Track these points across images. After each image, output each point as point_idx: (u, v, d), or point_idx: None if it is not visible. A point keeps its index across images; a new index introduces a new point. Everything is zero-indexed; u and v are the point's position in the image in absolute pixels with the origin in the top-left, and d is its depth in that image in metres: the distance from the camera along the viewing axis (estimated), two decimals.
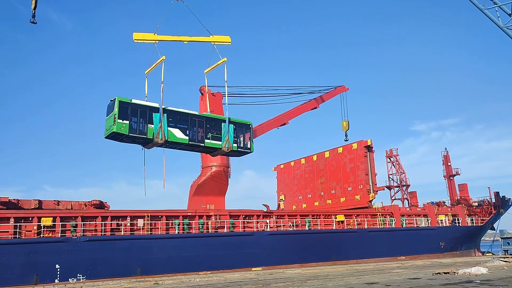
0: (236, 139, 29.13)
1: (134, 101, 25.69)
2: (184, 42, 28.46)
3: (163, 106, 26.33)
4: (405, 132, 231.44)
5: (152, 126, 25.69)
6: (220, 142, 28.23)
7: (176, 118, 27.00)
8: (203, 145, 27.81)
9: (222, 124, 28.64)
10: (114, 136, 25.13)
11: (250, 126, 30.44)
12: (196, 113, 28.38)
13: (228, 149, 28.32)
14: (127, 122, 24.81)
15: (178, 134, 26.72)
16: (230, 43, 29.43)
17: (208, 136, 28.08)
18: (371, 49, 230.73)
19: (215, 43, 28.71)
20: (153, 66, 27.31)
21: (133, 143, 26.52)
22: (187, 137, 27.21)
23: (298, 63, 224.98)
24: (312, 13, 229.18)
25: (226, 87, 29.78)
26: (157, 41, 26.98)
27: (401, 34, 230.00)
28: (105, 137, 25.62)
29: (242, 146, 29.43)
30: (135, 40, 26.75)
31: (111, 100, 25.68)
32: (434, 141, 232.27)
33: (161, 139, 25.73)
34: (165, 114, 26.21)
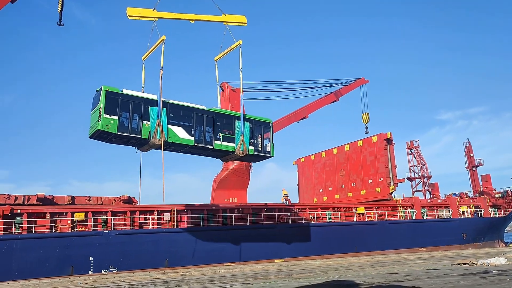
0: (252, 140, 24.41)
1: (125, 91, 21.22)
2: (191, 21, 23.74)
3: (162, 99, 21.77)
4: (430, 122, 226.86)
5: (149, 123, 21.10)
6: (233, 144, 23.63)
7: (178, 114, 22.49)
8: (212, 147, 23.22)
9: (236, 122, 24.03)
10: (100, 136, 20.78)
11: (270, 124, 25.88)
12: (204, 107, 23.92)
13: (243, 153, 23.74)
14: (116, 118, 20.38)
15: (181, 133, 22.21)
16: (245, 24, 24.92)
17: (218, 137, 23.42)
18: (392, 39, 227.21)
19: (228, 23, 24.26)
20: (151, 49, 22.91)
21: (124, 144, 22.02)
22: (192, 138, 22.48)
23: (317, 55, 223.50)
24: (329, 5, 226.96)
25: (241, 75, 24.76)
26: (156, 19, 22.19)
27: (424, 23, 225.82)
28: (89, 137, 21.28)
29: (260, 149, 24.87)
30: (129, 17, 21.82)
31: (96, 91, 21.27)
32: (460, 130, 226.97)
33: (159, 140, 21.02)
34: (165, 109, 21.67)
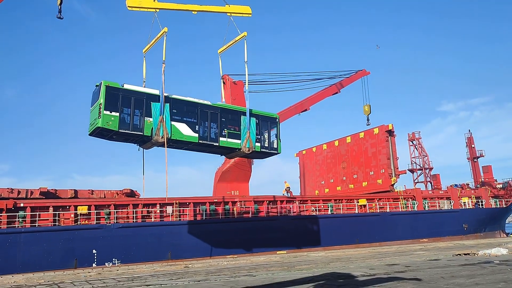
0: (259, 136, 23.59)
1: (126, 86, 20.40)
2: (193, 12, 22.80)
3: (165, 94, 20.82)
4: (432, 113, 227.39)
5: (151, 119, 20.32)
6: (239, 141, 22.83)
7: (182, 110, 21.68)
8: (217, 144, 22.43)
9: (242, 117, 23.20)
10: (100, 133, 19.96)
11: (277, 120, 24.99)
12: (208, 103, 22.99)
13: (249, 150, 22.92)
14: (117, 114, 19.60)
15: (184, 130, 21.41)
16: (250, 15, 23.85)
17: (223, 133, 22.55)
18: (393, 32, 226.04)
19: (232, 14, 23.30)
20: (152, 42, 21.97)
21: (125, 141, 21.18)
22: (196, 135, 21.69)
23: (319, 46, 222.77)
24: None
25: (246, 69, 23.81)
26: (157, 10, 21.33)
27: (424, 13, 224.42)
28: (89, 134, 20.33)
29: (266, 146, 24.08)
30: (128, 8, 20.90)
31: (96, 85, 20.44)
32: (461, 121, 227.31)
33: (162, 137, 20.18)
34: (168, 104, 20.82)
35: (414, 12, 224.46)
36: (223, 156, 25.80)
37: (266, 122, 24.41)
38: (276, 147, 24.47)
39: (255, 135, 23.21)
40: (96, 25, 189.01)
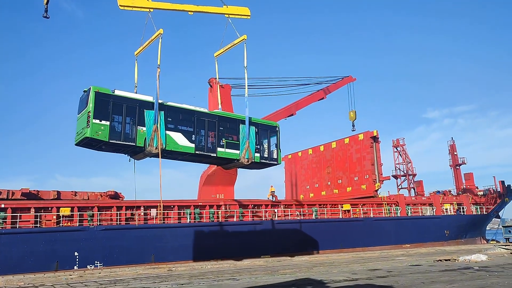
0: (258, 146, 22.23)
1: (117, 92, 18.97)
2: (189, 13, 21.68)
3: (159, 101, 19.50)
4: (417, 120, 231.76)
5: (144, 129, 18.91)
6: (237, 152, 21.50)
7: (177, 118, 20.42)
8: (215, 155, 21.13)
9: (241, 126, 21.84)
10: (88, 143, 18.51)
11: (277, 129, 23.83)
12: (205, 110, 21.80)
13: (248, 161, 21.56)
14: (107, 123, 18.18)
15: (180, 140, 20.02)
16: (249, 17, 22.80)
17: (221, 143, 21.24)
18: (381, 37, 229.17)
19: (230, 15, 22.26)
20: (145, 44, 20.74)
21: (116, 152, 19.84)
22: (192, 145, 20.35)
23: (305, 52, 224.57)
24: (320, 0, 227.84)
25: (246, 74, 22.70)
26: (151, 10, 20.11)
27: (411, 21, 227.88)
28: (76, 144, 18.94)
29: (266, 156, 22.68)
30: (120, 7, 19.57)
31: (84, 91, 18.94)
32: (446, 128, 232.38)
33: (156, 148, 18.78)
34: (162, 112, 19.48)
35: (403, 17, 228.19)
36: (219, 166, 24.71)
37: (266, 131, 23.25)
38: (276, 157, 23.24)
39: (255, 145, 21.99)
40: (86, 28, 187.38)
